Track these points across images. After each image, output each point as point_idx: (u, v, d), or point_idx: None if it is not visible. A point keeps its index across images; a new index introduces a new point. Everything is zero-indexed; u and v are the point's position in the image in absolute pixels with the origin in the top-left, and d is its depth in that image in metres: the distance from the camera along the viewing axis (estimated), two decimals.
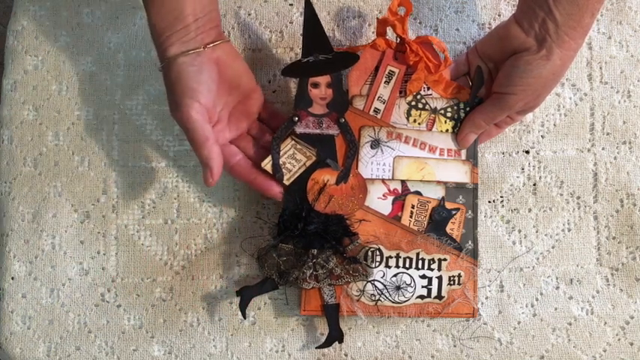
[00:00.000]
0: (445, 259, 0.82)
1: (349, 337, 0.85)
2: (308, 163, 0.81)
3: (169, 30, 0.75)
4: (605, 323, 0.84)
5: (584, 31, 0.75)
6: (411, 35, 0.88)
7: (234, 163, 0.81)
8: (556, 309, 0.85)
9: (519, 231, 0.86)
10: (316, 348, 0.82)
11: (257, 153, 0.83)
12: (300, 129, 0.82)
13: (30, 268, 0.87)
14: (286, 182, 0.81)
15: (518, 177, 0.86)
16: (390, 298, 0.81)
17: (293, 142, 0.82)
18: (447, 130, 0.83)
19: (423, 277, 0.82)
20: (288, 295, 0.85)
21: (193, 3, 0.74)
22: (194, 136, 0.76)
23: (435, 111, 0.83)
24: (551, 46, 0.74)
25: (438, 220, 0.82)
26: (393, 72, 0.83)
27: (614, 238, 0.86)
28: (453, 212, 0.82)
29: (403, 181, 0.83)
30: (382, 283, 0.81)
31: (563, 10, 0.73)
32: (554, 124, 0.87)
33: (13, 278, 0.87)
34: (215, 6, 0.78)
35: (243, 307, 0.80)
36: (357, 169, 0.82)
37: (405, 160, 0.83)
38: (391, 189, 0.83)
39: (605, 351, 0.84)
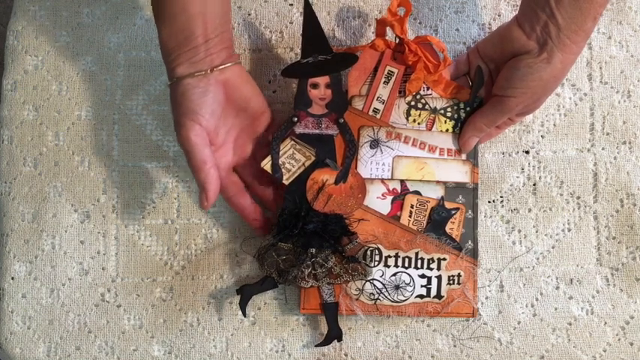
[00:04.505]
0: (444, 259, 0.82)
1: (349, 337, 0.85)
2: (307, 163, 0.81)
3: (178, 49, 0.75)
4: (605, 323, 0.84)
5: (585, 35, 0.75)
6: (411, 35, 0.88)
7: (233, 194, 0.82)
8: (556, 309, 0.85)
9: (519, 231, 0.86)
10: (315, 346, 0.82)
11: (260, 182, 0.83)
12: (299, 129, 0.82)
13: (30, 268, 0.87)
14: (285, 182, 0.81)
15: (518, 177, 0.86)
16: (389, 297, 0.81)
17: (292, 142, 0.82)
18: (446, 130, 0.83)
19: (423, 276, 0.82)
20: (288, 295, 0.85)
21: (204, 24, 0.74)
22: (192, 158, 0.76)
23: (434, 111, 0.83)
24: (552, 49, 0.74)
25: (437, 219, 0.82)
26: (392, 72, 0.83)
27: (614, 238, 0.85)
28: (453, 212, 0.82)
29: (402, 181, 0.83)
30: (381, 282, 0.81)
31: (566, 14, 0.73)
32: (554, 124, 0.87)
33: (13, 278, 0.87)
34: (227, 27, 0.78)
35: (243, 305, 0.81)
36: (356, 168, 0.82)
37: (405, 159, 0.83)
38: (390, 189, 0.83)
39: (605, 351, 0.84)
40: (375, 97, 0.83)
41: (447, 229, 0.82)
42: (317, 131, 0.82)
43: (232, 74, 0.78)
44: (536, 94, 0.78)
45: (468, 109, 0.83)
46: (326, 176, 0.81)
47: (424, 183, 0.83)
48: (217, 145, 0.80)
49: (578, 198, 0.86)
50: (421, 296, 0.82)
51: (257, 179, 0.84)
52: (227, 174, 0.82)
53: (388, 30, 0.83)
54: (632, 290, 0.85)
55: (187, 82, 0.76)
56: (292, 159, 0.81)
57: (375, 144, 0.83)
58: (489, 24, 0.89)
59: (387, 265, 0.82)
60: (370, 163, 0.83)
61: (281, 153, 0.81)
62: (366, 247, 0.81)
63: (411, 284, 0.82)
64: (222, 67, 0.77)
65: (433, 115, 0.83)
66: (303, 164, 0.81)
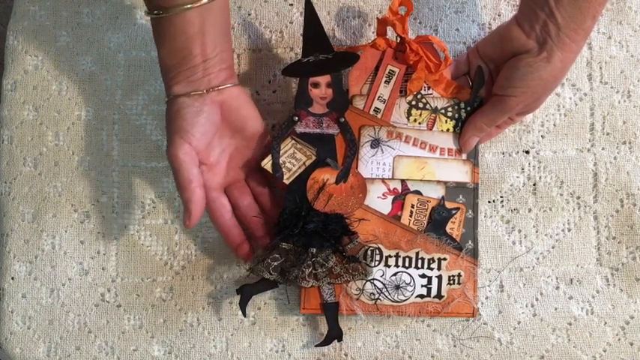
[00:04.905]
0: (445, 259, 0.82)
1: (349, 337, 0.85)
2: (308, 163, 0.81)
3: (177, 68, 0.75)
4: (605, 323, 0.84)
5: (585, 34, 0.75)
6: (411, 35, 0.88)
7: (219, 216, 0.82)
8: (556, 309, 0.85)
9: (519, 231, 0.86)
10: (315, 346, 0.82)
11: (249, 207, 0.83)
12: (300, 128, 0.82)
13: (30, 268, 0.87)
14: (286, 181, 0.81)
15: (518, 177, 0.86)
16: (389, 297, 0.81)
17: (293, 141, 0.82)
18: (447, 130, 0.83)
19: (423, 276, 0.82)
20: (289, 295, 0.85)
21: (203, 44, 0.74)
22: (178, 176, 0.76)
23: (435, 110, 0.83)
24: (552, 48, 0.74)
25: (437, 219, 0.82)
26: (393, 71, 0.83)
27: (614, 238, 0.85)
28: (453, 212, 0.82)
29: (403, 181, 0.83)
30: (382, 282, 0.81)
31: (565, 13, 0.73)
32: (554, 124, 0.87)
33: (13, 278, 0.87)
34: (227, 46, 0.77)
35: (243, 305, 0.80)
36: (356, 168, 0.82)
37: (405, 159, 0.83)
38: (391, 188, 0.83)
39: (605, 351, 0.84)
40: (376, 97, 0.83)
41: (448, 228, 0.82)
42: (318, 130, 0.82)
43: (230, 95, 0.78)
44: (536, 94, 0.78)
45: (468, 108, 0.83)
46: (327, 176, 0.81)
47: (425, 183, 0.83)
48: (210, 164, 0.80)
49: (578, 198, 0.86)
50: (421, 296, 0.82)
51: (247, 203, 0.83)
52: (217, 195, 0.82)
53: (389, 29, 0.83)
54: (632, 290, 0.85)
55: (182, 100, 0.75)
56: (293, 158, 0.81)
57: (375, 143, 0.83)
58: (489, 24, 0.89)
59: (387, 265, 0.82)
60: (371, 163, 0.83)
61: (282, 152, 0.81)
62: (367, 247, 0.81)
63: (412, 284, 0.82)
64: (220, 87, 0.77)
65: (434, 115, 0.83)
66: (304, 163, 0.81)
